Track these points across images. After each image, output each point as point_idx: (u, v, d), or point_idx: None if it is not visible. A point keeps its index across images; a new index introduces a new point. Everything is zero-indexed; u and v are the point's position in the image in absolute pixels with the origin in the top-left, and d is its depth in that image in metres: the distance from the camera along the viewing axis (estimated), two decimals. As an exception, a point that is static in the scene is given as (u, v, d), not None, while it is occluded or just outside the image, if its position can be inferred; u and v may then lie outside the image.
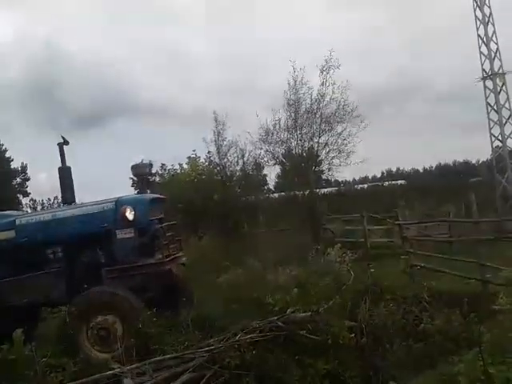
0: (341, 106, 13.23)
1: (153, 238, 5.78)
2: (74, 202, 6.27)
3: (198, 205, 12.39)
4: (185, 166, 14.71)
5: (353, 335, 4.44)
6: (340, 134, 13.39)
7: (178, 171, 15.19)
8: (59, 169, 6.13)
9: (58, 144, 6.11)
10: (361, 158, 13.47)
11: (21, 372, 3.88)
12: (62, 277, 5.57)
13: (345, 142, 13.33)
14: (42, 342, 4.41)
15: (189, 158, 14.45)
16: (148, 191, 7.09)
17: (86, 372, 3.97)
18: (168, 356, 4.09)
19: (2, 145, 39.84)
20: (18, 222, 5.74)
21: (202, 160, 14.42)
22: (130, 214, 5.49)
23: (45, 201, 36.78)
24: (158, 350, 4.30)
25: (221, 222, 11.71)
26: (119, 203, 5.60)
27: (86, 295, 5.16)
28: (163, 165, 17.66)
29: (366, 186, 25.57)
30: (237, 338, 4.25)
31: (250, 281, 5.96)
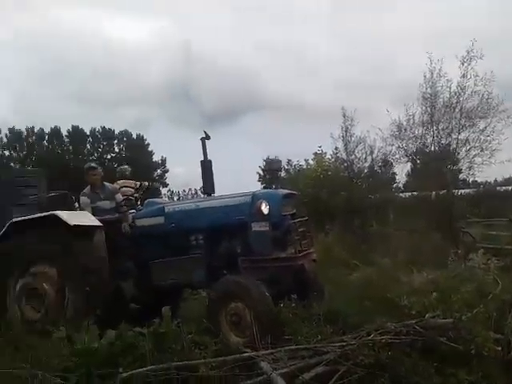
0: (484, 100, 12.29)
1: (285, 232, 5.90)
2: (214, 193, 6.66)
3: (323, 201, 12.40)
4: (311, 162, 14.83)
5: (499, 348, 4.10)
6: (483, 130, 12.43)
7: (304, 167, 15.36)
8: (201, 162, 6.47)
9: (200, 138, 6.48)
10: (507, 156, 12.36)
11: (169, 345, 4.24)
12: (202, 262, 5.97)
13: (488, 138, 12.34)
14: (185, 320, 4.75)
15: (315, 153, 14.53)
16: (279, 187, 7.26)
17: (226, 352, 4.23)
18: (302, 346, 4.17)
19: (146, 139, 43.92)
20: (166, 209, 6.25)
21: (328, 156, 14.42)
22: (265, 208, 5.67)
23: (180, 192, 39.62)
24: (291, 340, 4.43)
25: (347, 219, 11.58)
26: (255, 197, 5.83)
27: (222, 282, 5.48)
28: (289, 160, 17.94)
29: (510, 188, 23.12)
30: (370, 337, 4.18)
31: (383, 281, 5.80)
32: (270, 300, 5.12)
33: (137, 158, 38.67)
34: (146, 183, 7.69)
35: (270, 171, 7.27)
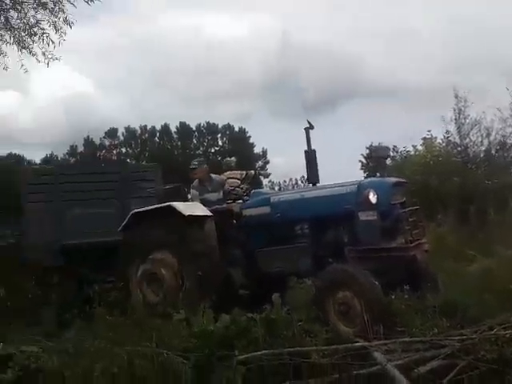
0: None
1: (395, 222, 5.75)
2: (318, 183, 6.65)
3: (433, 188, 11.74)
4: (419, 148, 14.09)
5: None
6: None
7: (412, 153, 14.65)
8: (305, 152, 6.50)
9: (304, 128, 6.49)
10: None
11: (280, 332, 4.34)
12: (308, 251, 6.02)
13: None
14: (294, 308, 4.81)
15: (423, 138, 13.76)
16: (386, 175, 7.06)
17: (336, 341, 4.22)
18: (417, 339, 4.03)
19: (247, 132, 44.98)
20: (272, 199, 6.40)
21: (438, 141, 13.59)
22: (372, 197, 5.58)
23: (281, 182, 40.02)
24: (404, 332, 4.29)
25: (461, 207, 10.85)
26: (362, 186, 5.78)
27: (329, 270, 5.49)
28: (395, 147, 17.22)
29: None
30: (493, 331, 3.92)
31: (505, 272, 5.37)
32: (380, 289, 5.02)
33: (239, 151, 39.78)
34: (252, 172, 7.87)
35: (377, 158, 7.07)
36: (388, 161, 11.88)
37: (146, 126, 44.07)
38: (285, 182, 41.27)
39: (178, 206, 6.13)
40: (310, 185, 6.66)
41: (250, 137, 44.15)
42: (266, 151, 44.26)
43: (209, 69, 57.82)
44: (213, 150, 44.52)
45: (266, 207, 6.35)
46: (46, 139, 59.65)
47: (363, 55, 56.20)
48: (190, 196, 7.11)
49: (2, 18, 8.28)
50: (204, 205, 6.56)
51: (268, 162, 44.62)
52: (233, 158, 8.43)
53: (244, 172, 7.86)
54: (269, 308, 4.57)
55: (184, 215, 5.99)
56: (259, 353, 3.86)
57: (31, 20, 8.29)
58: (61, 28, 8.36)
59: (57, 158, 39.73)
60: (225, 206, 6.85)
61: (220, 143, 44.97)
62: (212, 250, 6.13)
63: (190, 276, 6.02)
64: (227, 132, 45.12)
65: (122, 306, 5.66)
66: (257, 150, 44.38)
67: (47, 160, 38.79)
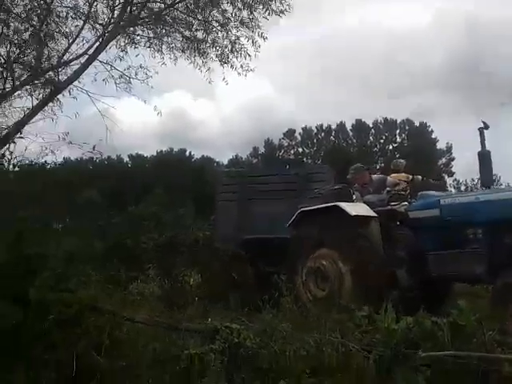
0: None
1: None
2: (492, 185, 6.33)
3: None
4: None
5: None
6: None
7: None
8: (479, 153, 6.33)
9: (478, 129, 6.27)
10: None
11: (468, 338, 4.18)
12: (483, 257, 5.82)
13: None
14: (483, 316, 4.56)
15: None
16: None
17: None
18: None
19: (429, 126, 42.59)
20: (442, 201, 6.34)
21: None
22: None
23: (468, 181, 36.96)
24: None
25: None
26: None
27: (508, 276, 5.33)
28: None
29: None
30: None
31: None
32: None
33: (419, 147, 37.91)
34: (419, 177, 7.82)
35: None
36: None
37: (321, 124, 45.03)
38: (473, 180, 37.96)
39: (345, 206, 6.47)
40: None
41: (432, 131, 41.67)
42: (450, 147, 41.24)
43: (390, 62, 56.22)
44: (390, 147, 43.24)
45: (435, 210, 6.31)
46: (232, 142, 65.56)
47: None
48: (354, 197, 7.37)
49: (209, 39, 9.64)
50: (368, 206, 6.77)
51: (453, 159, 41.53)
52: (403, 161, 8.41)
53: (411, 176, 7.81)
54: (456, 312, 4.44)
55: (350, 215, 6.25)
56: (446, 352, 3.81)
57: (233, 38, 9.48)
58: (257, 41, 9.42)
59: (242, 158, 43.41)
60: (388, 207, 6.96)
61: (398, 139, 43.45)
62: (376, 249, 6.34)
63: (353, 274, 6.29)
64: (406, 127, 43.30)
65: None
66: (441, 145, 41.67)
67: (233, 161, 42.65)
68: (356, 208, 6.58)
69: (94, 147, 8.74)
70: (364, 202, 6.98)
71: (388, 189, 7.24)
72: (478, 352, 3.98)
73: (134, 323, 4.53)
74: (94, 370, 3.82)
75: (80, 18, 9.75)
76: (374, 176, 7.58)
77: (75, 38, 9.72)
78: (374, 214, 6.54)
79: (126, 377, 3.87)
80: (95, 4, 9.77)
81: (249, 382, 3.78)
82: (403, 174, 7.99)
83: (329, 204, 6.65)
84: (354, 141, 44.00)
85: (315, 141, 45.43)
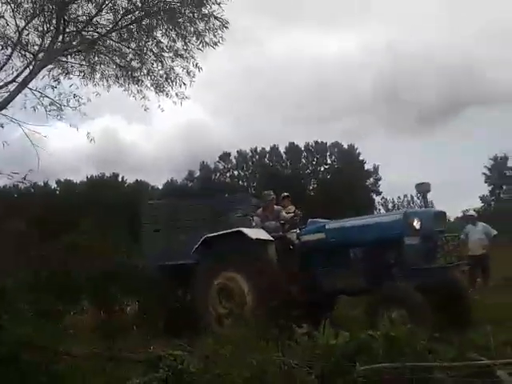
0: None
1: (435, 246, 6.65)
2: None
3: None
4: None
5: None
6: None
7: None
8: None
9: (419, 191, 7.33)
10: None
11: (401, 349, 4.41)
12: (361, 272, 6.78)
13: None
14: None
15: None
16: (430, 206, 8.18)
17: (459, 358, 4.21)
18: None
19: (357, 148, 44.56)
20: (327, 226, 7.33)
21: None
22: (416, 224, 6.45)
23: (395, 199, 38.95)
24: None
25: None
26: (407, 215, 6.75)
27: (383, 287, 6.16)
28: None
29: None
30: None
31: None
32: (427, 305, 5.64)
33: (348, 168, 39.53)
34: (300, 213, 8.48)
35: (421, 193, 7.86)
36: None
37: (256, 148, 45.83)
38: (399, 198, 39.95)
39: (247, 231, 7.14)
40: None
41: (359, 153, 43.65)
42: (377, 168, 43.35)
43: (316, 88, 58.55)
44: (322, 169, 44.75)
45: (322, 233, 7.22)
46: (167, 166, 64.82)
47: (483, 59, 52.86)
48: (254, 224, 8.10)
49: (144, 69, 9.68)
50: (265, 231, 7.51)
51: (380, 179, 43.66)
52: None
53: (295, 210, 8.64)
54: (388, 325, 4.69)
55: (252, 238, 6.96)
56: (380, 365, 4.00)
57: (167, 68, 9.57)
58: (191, 71, 9.58)
59: (177, 182, 42.99)
60: (280, 233, 7.82)
61: (329, 161, 45.06)
62: (274, 268, 7.08)
63: (253, 291, 6.89)
64: (336, 149, 45.10)
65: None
66: (368, 166, 43.70)
67: (168, 184, 42.14)
68: (256, 233, 7.30)
69: (24, 177, 8.31)
70: (262, 228, 7.70)
71: (282, 221, 8.05)
72: (411, 361, 4.22)
73: (72, 357, 4.37)
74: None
75: (9, 46, 9.39)
76: (275, 206, 8.34)
77: (3, 66, 9.34)
78: (271, 238, 7.31)
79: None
80: (25, 33, 9.45)
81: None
82: (291, 207, 8.85)
83: (232, 230, 7.25)
84: (288, 163, 45.12)
85: (250, 163, 46.10)
